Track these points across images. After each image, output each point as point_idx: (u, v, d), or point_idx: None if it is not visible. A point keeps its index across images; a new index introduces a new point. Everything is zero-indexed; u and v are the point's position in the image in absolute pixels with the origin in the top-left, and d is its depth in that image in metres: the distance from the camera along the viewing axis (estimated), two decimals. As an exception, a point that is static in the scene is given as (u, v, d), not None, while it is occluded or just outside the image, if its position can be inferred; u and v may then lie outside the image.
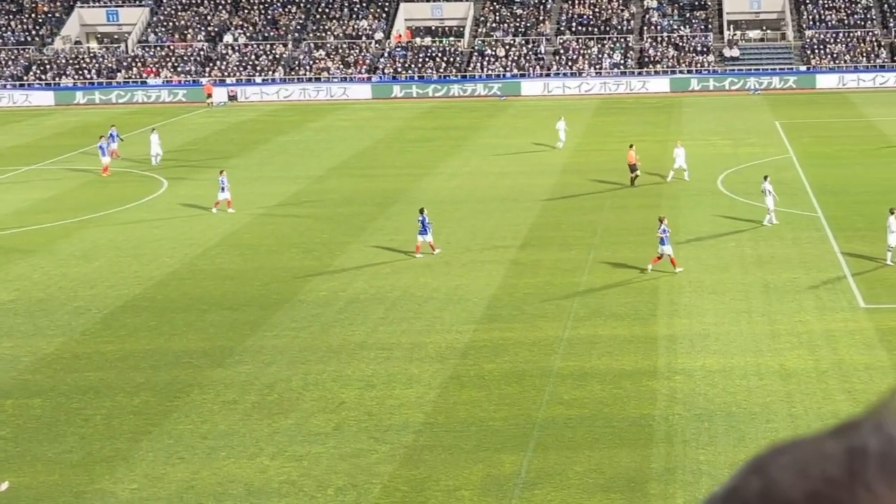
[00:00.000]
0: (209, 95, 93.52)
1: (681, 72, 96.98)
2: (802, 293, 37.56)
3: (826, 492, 1.01)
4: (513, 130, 74.41)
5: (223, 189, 51.46)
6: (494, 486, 25.00)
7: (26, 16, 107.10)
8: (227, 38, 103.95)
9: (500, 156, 64.59)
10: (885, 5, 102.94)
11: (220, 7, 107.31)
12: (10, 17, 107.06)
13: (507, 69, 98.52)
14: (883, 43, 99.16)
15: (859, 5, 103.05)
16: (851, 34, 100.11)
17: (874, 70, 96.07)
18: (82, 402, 30.09)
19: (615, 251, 43.11)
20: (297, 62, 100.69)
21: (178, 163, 64.16)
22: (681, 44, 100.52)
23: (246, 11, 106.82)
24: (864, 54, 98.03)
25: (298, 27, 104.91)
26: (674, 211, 48.89)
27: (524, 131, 73.62)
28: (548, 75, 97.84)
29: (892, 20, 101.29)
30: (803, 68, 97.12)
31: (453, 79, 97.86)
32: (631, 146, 55.75)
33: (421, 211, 43.84)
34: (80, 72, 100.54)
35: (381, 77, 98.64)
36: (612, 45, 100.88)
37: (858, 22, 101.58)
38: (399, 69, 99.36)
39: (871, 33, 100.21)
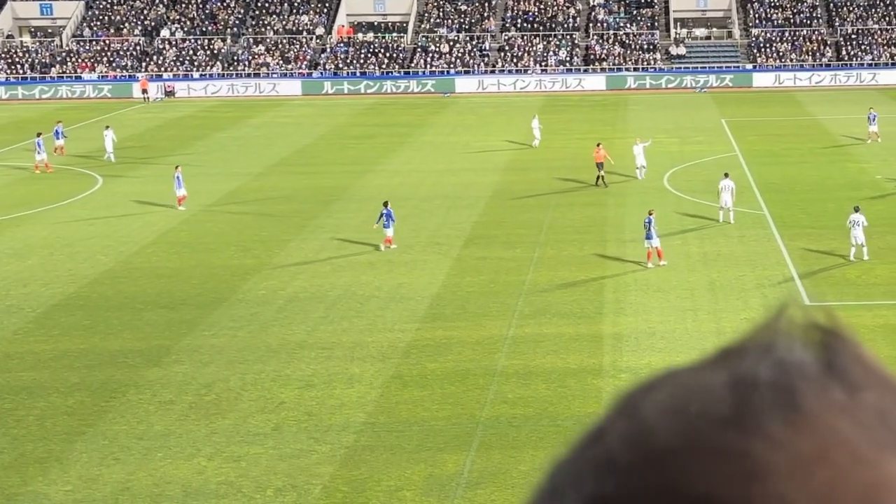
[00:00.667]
0: (144, 91, 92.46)
1: (627, 69, 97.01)
2: (748, 291, 37.46)
3: (708, 433, 0.86)
4: (457, 128, 74.02)
5: (180, 185, 50.50)
6: (437, 486, 24.81)
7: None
8: (164, 32, 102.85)
9: (444, 153, 64.18)
10: (831, 4, 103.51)
11: (157, 1, 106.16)
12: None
13: (452, 66, 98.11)
14: (828, 42, 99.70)
15: (805, 4, 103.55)
16: (797, 33, 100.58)
17: (810, 69, 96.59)
18: (14, 402, 29.61)
19: (560, 249, 42.78)
20: (235, 58, 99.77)
21: (114, 159, 63.17)
22: (627, 41, 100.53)
23: (183, 6, 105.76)
24: (810, 53, 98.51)
25: (237, 22, 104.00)
26: (620, 209, 48.72)
27: (468, 128, 73.30)
28: (493, 72, 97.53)
29: (837, 19, 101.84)
30: (750, 66, 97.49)
31: (390, 75, 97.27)
32: (598, 144, 55.13)
33: (385, 204, 43.58)
34: (13, 66, 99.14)
35: (321, 73, 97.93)
36: (557, 43, 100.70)
37: (804, 21, 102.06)
38: (340, 65, 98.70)
39: (816, 32, 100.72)
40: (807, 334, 0.93)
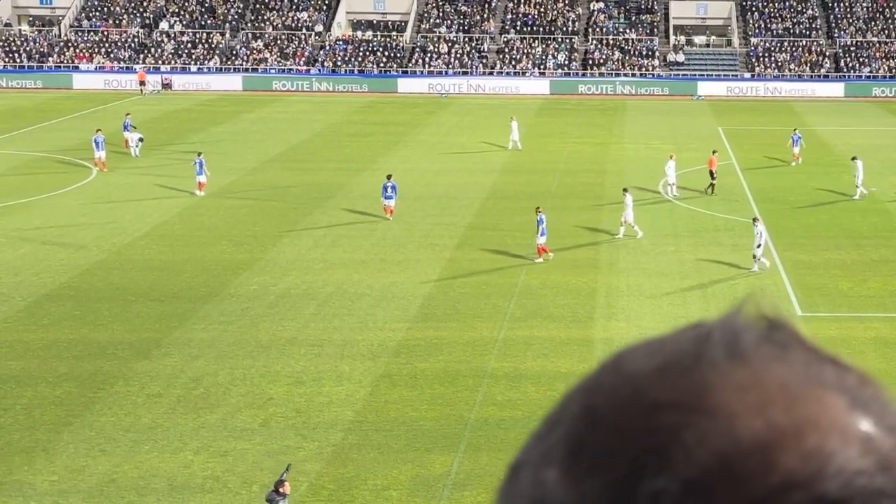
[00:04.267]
0: (142, 83, 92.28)
1: (625, 75, 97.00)
2: (740, 300, 37.29)
3: (674, 365, 1.15)
4: (454, 128, 73.88)
5: (200, 172, 50.92)
6: (423, 486, 24.82)
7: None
8: (163, 25, 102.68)
9: (440, 153, 64.05)
10: (831, 16, 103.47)
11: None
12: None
13: (450, 66, 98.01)
14: (827, 53, 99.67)
15: (805, 15, 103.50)
16: (796, 43, 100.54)
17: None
18: (2, 391, 29.68)
19: (554, 252, 42.67)
20: (233, 52, 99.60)
21: (108, 150, 62.90)
22: (626, 47, 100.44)
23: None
24: (808, 63, 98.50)
25: (237, 16, 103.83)
26: (614, 214, 48.60)
27: (465, 129, 73.17)
28: (491, 74, 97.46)
29: (836, 30, 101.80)
30: (748, 74, 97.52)
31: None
32: (714, 152, 55.20)
33: (388, 177, 47.81)
34: (10, 55, 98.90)
35: (319, 70, 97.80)
36: (556, 46, 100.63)
37: (804, 31, 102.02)
38: (339, 63, 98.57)
39: (815, 43, 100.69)
40: (756, 319, 1.19)
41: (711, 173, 53.68)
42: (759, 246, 40.41)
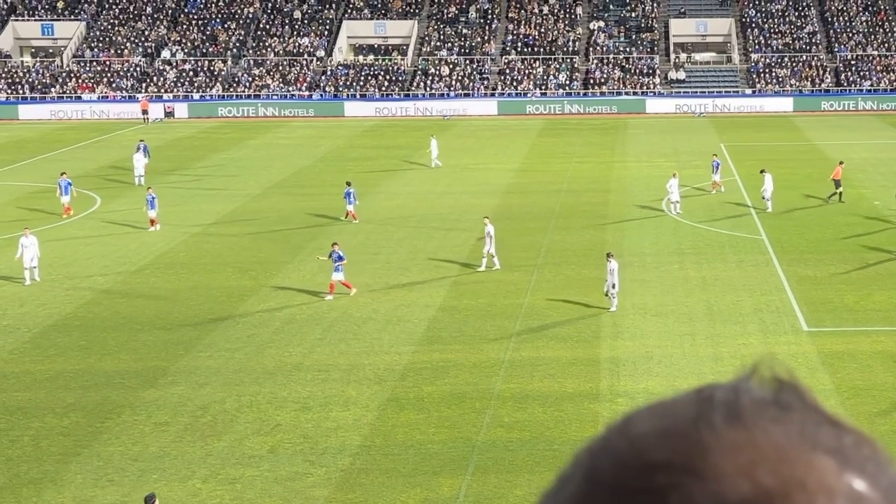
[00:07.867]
0: (145, 111, 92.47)
1: (626, 93, 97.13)
2: (746, 316, 37.37)
3: (674, 427, 1.21)
4: (457, 150, 73.85)
5: (152, 206, 50.53)
6: (432, 510, 24.64)
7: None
8: (165, 53, 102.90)
9: (443, 175, 64.11)
10: (831, 31, 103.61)
11: (158, 22, 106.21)
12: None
13: (452, 88, 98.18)
14: (828, 68, 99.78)
15: (805, 31, 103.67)
16: (797, 58, 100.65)
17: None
18: (9, 422, 29.55)
19: (558, 272, 42.71)
20: (235, 79, 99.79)
21: (112, 179, 63.10)
22: (627, 65, 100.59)
23: (184, 27, 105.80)
24: (809, 78, 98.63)
25: (238, 44, 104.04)
26: (618, 233, 48.68)
27: (468, 151, 73.22)
28: (492, 95, 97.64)
29: (837, 45, 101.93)
30: (749, 90, 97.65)
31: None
32: (841, 163, 56.00)
33: (348, 184, 51.93)
34: (13, 86, 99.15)
35: (321, 95, 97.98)
36: (557, 66, 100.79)
37: (804, 47, 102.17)
38: (340, 87, 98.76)
39: (816, 58, 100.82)
40: (767, 381, 1.26)
41: (836, 182, 54.26)
42: (613, 285, 38.07)
